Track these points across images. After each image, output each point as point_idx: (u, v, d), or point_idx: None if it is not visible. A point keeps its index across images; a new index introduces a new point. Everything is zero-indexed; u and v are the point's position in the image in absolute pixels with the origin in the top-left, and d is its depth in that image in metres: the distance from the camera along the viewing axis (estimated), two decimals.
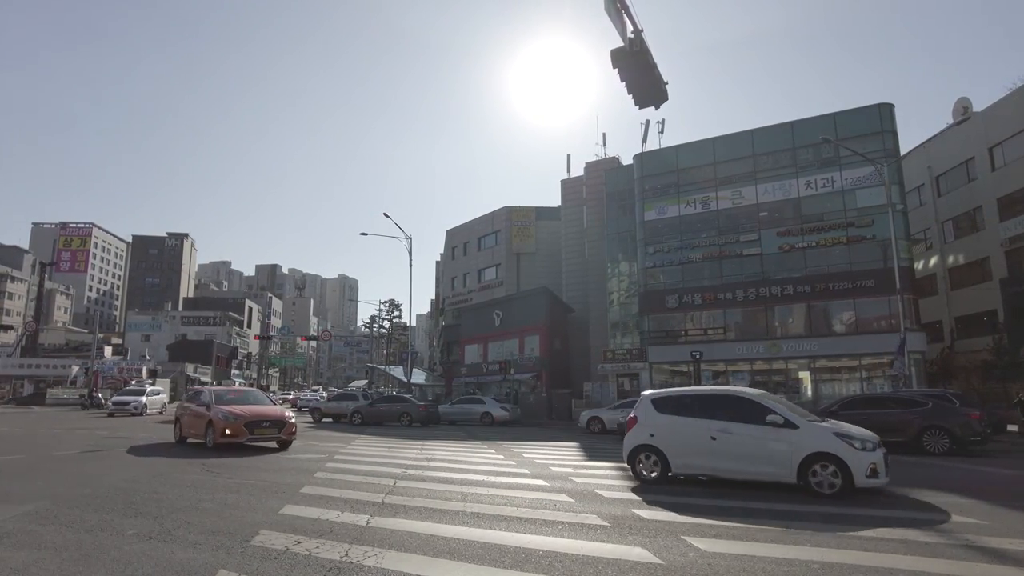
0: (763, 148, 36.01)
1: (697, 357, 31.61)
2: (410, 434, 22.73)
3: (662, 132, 44.71)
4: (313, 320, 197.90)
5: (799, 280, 33.81)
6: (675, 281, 37.54)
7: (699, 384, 30.34)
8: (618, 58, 8.60)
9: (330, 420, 31.81)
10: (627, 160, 43.97)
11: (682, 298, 36.81)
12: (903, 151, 36.43)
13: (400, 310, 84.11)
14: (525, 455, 14.74)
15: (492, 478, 10.41)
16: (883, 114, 33.34)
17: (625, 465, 12.16)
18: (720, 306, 35.94)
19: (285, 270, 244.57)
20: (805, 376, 34.39)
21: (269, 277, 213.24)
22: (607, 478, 10.73)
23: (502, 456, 14.50)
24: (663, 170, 38.94)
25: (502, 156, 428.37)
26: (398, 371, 57.90)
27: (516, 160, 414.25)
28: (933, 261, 40.44)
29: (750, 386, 32.42)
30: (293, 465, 12.08)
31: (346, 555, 5.37)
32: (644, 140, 43.67)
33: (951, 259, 39.26)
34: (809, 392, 33.46)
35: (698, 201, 37.16)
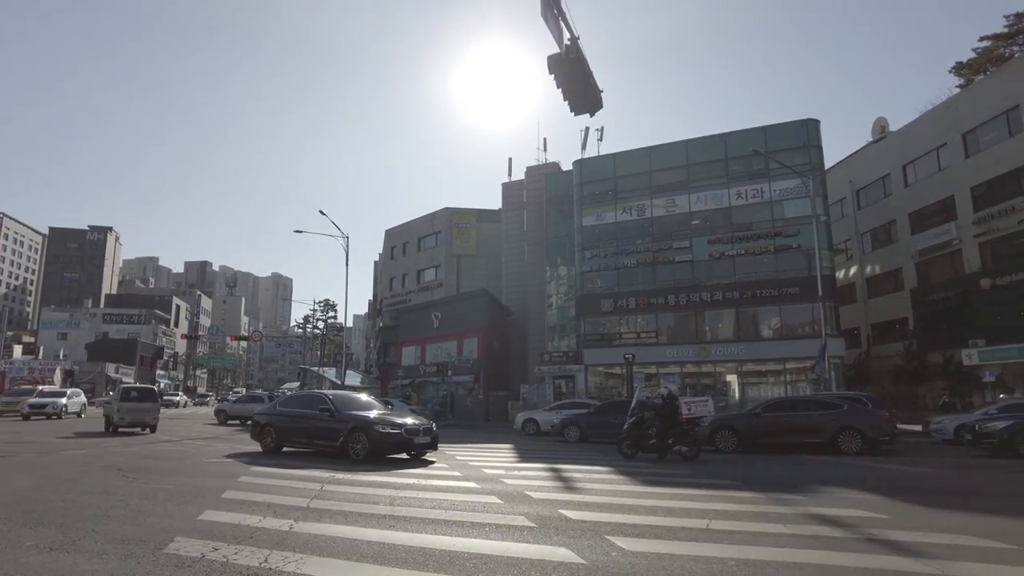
0: (697, 158, 37.17)
1: (630, 360, 32.26)
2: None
3: (601, 139, 45.46)
4: (244, 319, 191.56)
5: (728, 286, 35.02)
6: (611, 285, 38.25)
7: (630, 386, 30.98)
8: (554, 64, 8.70)
9: (237, 423, 30.91)
10: (567, 166, 44.58)
11: (617, 302, 37.54)
12: (827, 165, 38.33)
13: (335, 310, 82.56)
14: (458, 458, 14.70)
15: (423, 481, 10.33)
16: (809, 129, 34.97)
17: (557, 466, 12.28)
18: (653, 310, 36.85)
19: (216, 267, 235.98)
20: (733, 379, 35.64)
21: (199, 274, 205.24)
22: (538, 479, 10.81)
23: (435, 459, 14.40)
24: (601, 177, 39.67)
25: (444, 158, 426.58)
26: (332, 373, 56.73)
27: (458, 162, 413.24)
28: (853, 270, 42.64)
29: (680, 388, 33.46)
30: (216, 469, 11.66)
31: (265, 561, 5.21)
32: (583, 147, 44.44)
33: (869, 269, 41.51)
34: (736, 394, 34.68)
35: (634, 208, 38.00)
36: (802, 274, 32.67)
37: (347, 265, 41.13)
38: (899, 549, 5.81)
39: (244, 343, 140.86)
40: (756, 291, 34.39)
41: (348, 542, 5.93)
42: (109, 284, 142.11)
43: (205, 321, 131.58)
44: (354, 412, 13.64)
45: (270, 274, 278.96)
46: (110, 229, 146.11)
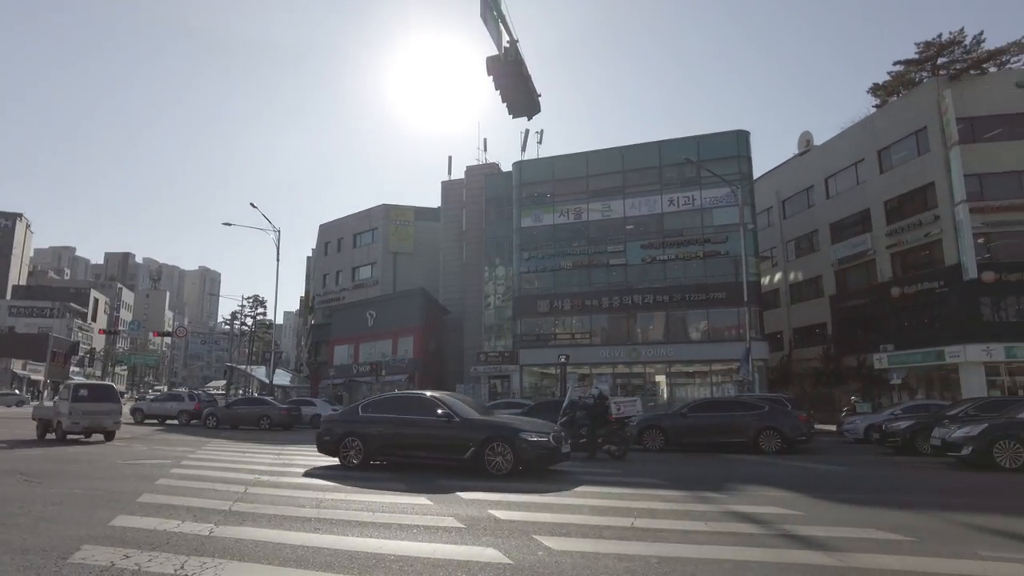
0: (632, 165, 38.05)
1: (564, 360, 32.69)
2: (270, 438, 21.71)
3: (540, 142, 45.97)
4: (169, 315, 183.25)
5: (659, 290, 35.99)
6: (548, 287, 38.67)
7: (564, 387, 31.40)
8: (493, 66, 8.75)
9: (155, 422, 29.71)
10: (507, 167, 44.79)
11: (553, 303, 37.99)
12: (756, 175, 39.94)
13: (265, 307, 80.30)
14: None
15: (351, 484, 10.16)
16: (740, 140, 36.35)
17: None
18: (588, 312, 37.49)
19: (139, 259, 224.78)
20: (662, 380, 36.67)
21: (120, 266, 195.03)
22: (469, 479, 10.81)
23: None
24: (540, 179, 40.07)
25: (382, 154, 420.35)
26: (261, 372, 55.04)
27: (397, 159, 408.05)
28: (777, 277, 44.57)
29: (611, 389, 34.15)
30: (133, 471, 11.13)
31: (181, 568, 5.02)
32: (523, 148, 44.69)
33: (792, 276, 43.48)
34: (665, 395, 35.69)
35: (571, 212, 38.56)
36: (729, 279, 33.88)
37: (278, 260, 39.97)
38: (809, 543, 6.12)
39: (168, 339, 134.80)
40: (685, 295, 35.48)
41: (271, 546, 5.78)
42: (18, 274, 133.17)
43: (126, 316, 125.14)
44: (483, 418, 11.76)
45: (197, 268, 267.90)
46: (20, 215, 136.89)
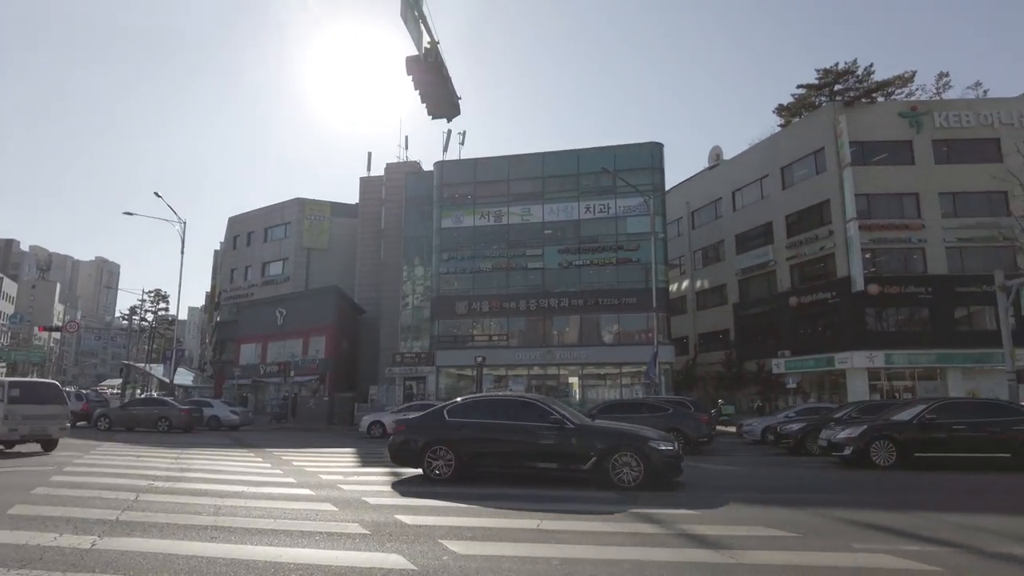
0: (552, 171, 38.70)
1: (480, 362, 32.78)
2: (168, 441, 20.56)
3: (463, 143, 45.99)
4: (59, 308, 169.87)
5: (575, 294, 36.77)
6: (466, 288, 38.68)
7: (480, 388, 31.50)
8: (413, 66, 8.67)
9: None
10: (428, 166, 44.47)
11: (472, 305, 38.04)
12: (668, 186, 41.50)
13: (167, 302, 76.01)
14: (295, 463, 14.09)
15: (253, 488, 9.80)
16: (654, 152, 37.68)
17: (399, 470, 12.17)
18: (505, 314, 37.78)
19: (25, 247, 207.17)
20: (575, 381, 37.45)
21: (2, 254, 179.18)
22: (377, 484, 10.65)
23: (269, 464, 13.72)
24: (461, 180, 40.03)
25: (298, 147, 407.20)
26: (160, 370, 52.05)
27: (313, 152, 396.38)
28: (685, 284, 46.48)
29: (526, 390, 34.56)
30: (5, 480, 10.26)
31: None
32: (445, 149, 44.55)
33: (699, 284, 45.48)
34: (578, 396, 36.45)
35: (491, 214, 38.76)
36: (640, 286, 34.99)
37: (183, 253, 37.96)
38: (704, 542, 6.42)
39: (56, 334, 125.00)
40: (599, 299, 36.41)
41: (161, 558, 5.49)
42: None
43: (7, 308, 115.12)
44: (604, 424, 11.00)
45: (94, 258, 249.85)
46: None
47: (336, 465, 13.97)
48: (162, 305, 75.28)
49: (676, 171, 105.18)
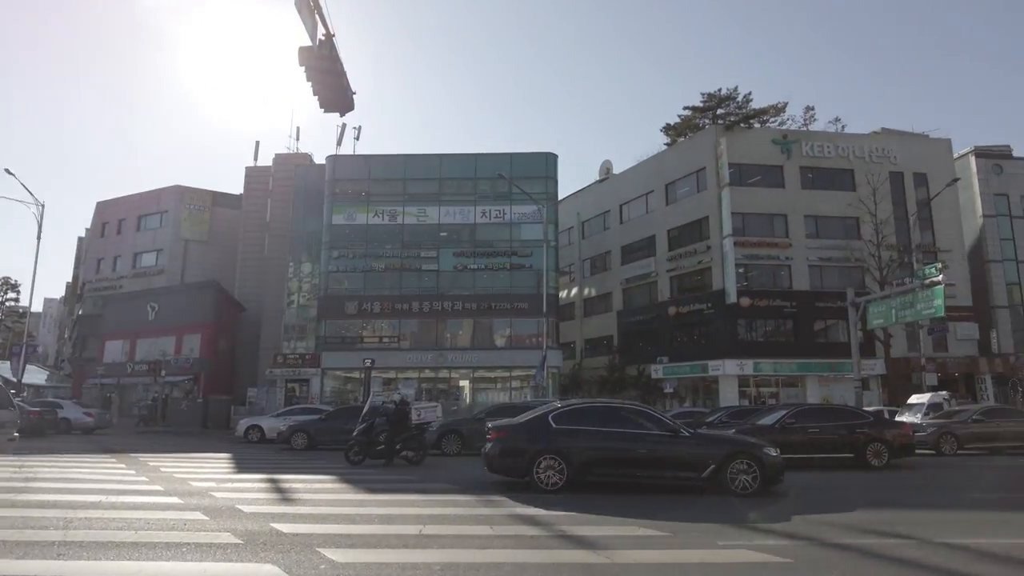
0: (449, 173, 38.62)
1: (369, 364, 32.12)
2: (10, 447, 18.49)
3: (358, 138, 44.71)
4: None
5: (468, 298, 36.87)
6: (357, 288, 37.74)
7: (368, 391, 30.84)
8: (305, 57, 8.38)
9: None
10: (321, 159, 42.99)
11: (362, 305, 37.14)
12: (561, 196, 42.62)
13: (18, 291, 68.67)
14: (163, 469, 13.16)
15: (112, 498, 9.03)
16: (549, 162, 38.59)
17: (278, 476, 11.68)
18: (397, 316, 37.23)
19: None
20: (466, 385, 37.54)
21: None
22: (253, 491, 10.16)
23: (134, 471, 12.73)
24: (355, 177, 39.05)
25: (177, 131, 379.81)
26: (6, 368, 46.77)
27: (196, 137, 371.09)
28: (574, 291, 47.90)
29: (417, 393, 34.27)
30: None
31: None
32: (339, 143, 43.33)
33: (587, 291, 47.03)
34: (468, 399, 36.57)
35: (386, 213, 38.07)
36: (532, 291, 35.63)
37: (39, 238, 34.33)
38: (582, 543, 6.63)
39: None
40: (492, 304, 36.72)
41: None
42: None
43: None
44: (718, 432, 11.37)
45: None
46: None
47: (209, 471, 13.18)
48: (11, 295, 68.04)
49: (569, 182, 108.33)
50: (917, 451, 16.39)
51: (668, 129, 44.17)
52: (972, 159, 41.26)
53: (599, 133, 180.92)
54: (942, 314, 21.85)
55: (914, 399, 24.32)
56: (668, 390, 34.31)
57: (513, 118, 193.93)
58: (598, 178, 49.02)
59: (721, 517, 8.16)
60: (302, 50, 8.43)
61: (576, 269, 47.97)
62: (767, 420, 15.75)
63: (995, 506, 9.67)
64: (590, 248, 47.08)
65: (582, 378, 41.65)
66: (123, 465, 13.90)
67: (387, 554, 5.99)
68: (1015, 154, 42.87)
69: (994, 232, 40.26)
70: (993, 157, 42.02)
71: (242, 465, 14.75)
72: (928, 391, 26.19)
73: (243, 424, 24.77)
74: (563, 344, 41.20)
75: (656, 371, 36.40)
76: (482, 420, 18.45)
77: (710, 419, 19.99)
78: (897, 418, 19.76)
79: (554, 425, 10.43)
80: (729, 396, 33.66)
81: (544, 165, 38.46)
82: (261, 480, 11.65)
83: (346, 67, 9.32)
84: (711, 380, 35.56)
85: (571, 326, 46.39)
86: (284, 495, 9.76)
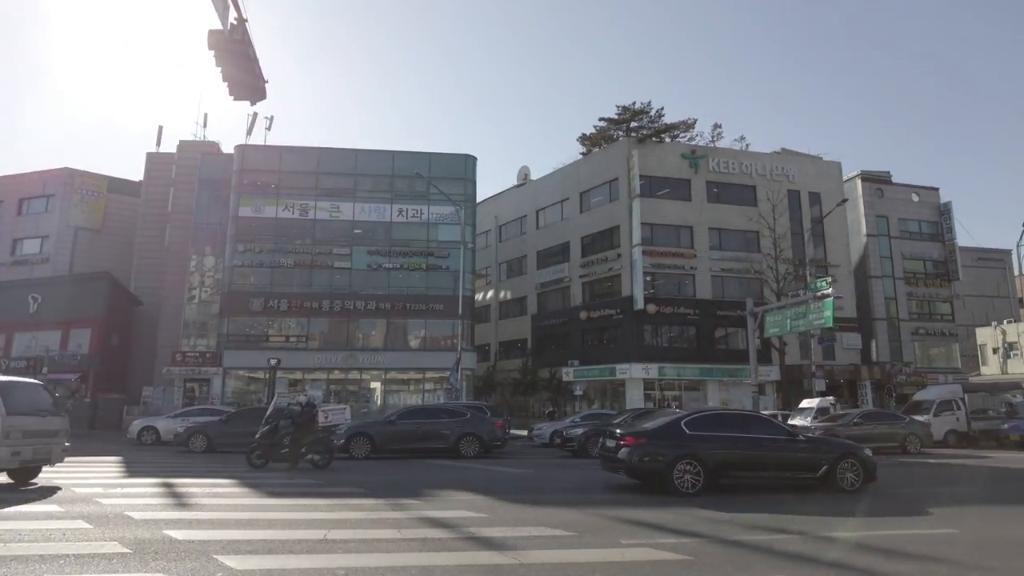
0: (365, 169, 37.81)
1: (274, 364, 30.97)
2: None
3: (269, 128, 43.05)
4: None
5: (382, 297, 36.23)
6: (263, 284, 36.27)
7: (273, 392, 29.72)
8: (215, 41, 7.99)
9: None
10: (229, 149, 41.00)
11: (268, 302, 35.72)
12: (480, 198, 42.71)
13: None
14: (42, 475, 12.15)
15: None
16: (468, 164, 38.57)
17: (174, 480, 11.05)
18: (306, 314, 36.07)
19: None
20: (377, 387, 36.87)
21: None
22: (145, 497, 9.58)
23: (2, 477, 11.67)
24: (266, 168, 37.52)
25: (70, 106, 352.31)
26: None
27: (90, 115, 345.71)
28: (490, 294, 48.11)
29: (325, 395, 33.36)
30: None
31: None
32: (249, 132, 41.44)
33: (503, 294, 47.34)
34: (379, 402, 35.93)
35: (297, 207, 36.78)
36: (448, 293, 35.47)
37: None
38: (490, 544, 6.67)
39: None
40: (407, 304, 36.25)
41: None
42: None
43: None
44: (825, 436, 13.01)
45: None
46: None
47: (95, 477, 12.32)
48: None
49: (487, 185, 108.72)
50: None
51: (584, 139, 45.17)
52: (859, 182, 44.71)
53: (518, 139, 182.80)
54: (831, 325, 23.57)
55: (805, 403, 26.05)
56: (578, 392, 35.03)
57: (434, 118, 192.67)
58: (516, 183, 49.49)
59: (623, 516, 8.43)
60: (212, 33, 8.04)
61: (493, 272, 48.19)
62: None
63: (870, 501, 10.50)
64: (507, 251, 47.42)
65: (496, 380, 41.87)
66: None
67: (289, 560, 5.80)
68: (894, 180, 46.85)
69: (876, 250, 43.77)
70: (876, 182, 45.71)
71: (134, 469, 13.87)
72: (817, 396, 28.11)
73: (137, 425, 23.29)
74: (478, 346, 41.23)
75: (567, 374, 37.10)
76: (393, 423, 18.25)
77: (616, 420, 20.56)
78: (789, 422, 21.04)
79: (688, 431, 11.02)
80: (635, 399, 34.78)
81: (463, 167, 38.40)
82: (154, 485, 11.00)
83: (261, 56, 8.98)
84: (619, 383, 36.62)
85: (487, 328, 46.54)
86: (180, 500, 9.26)
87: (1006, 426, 23.58)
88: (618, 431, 11.80)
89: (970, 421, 24.96)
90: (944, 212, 45.71)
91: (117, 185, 46.07)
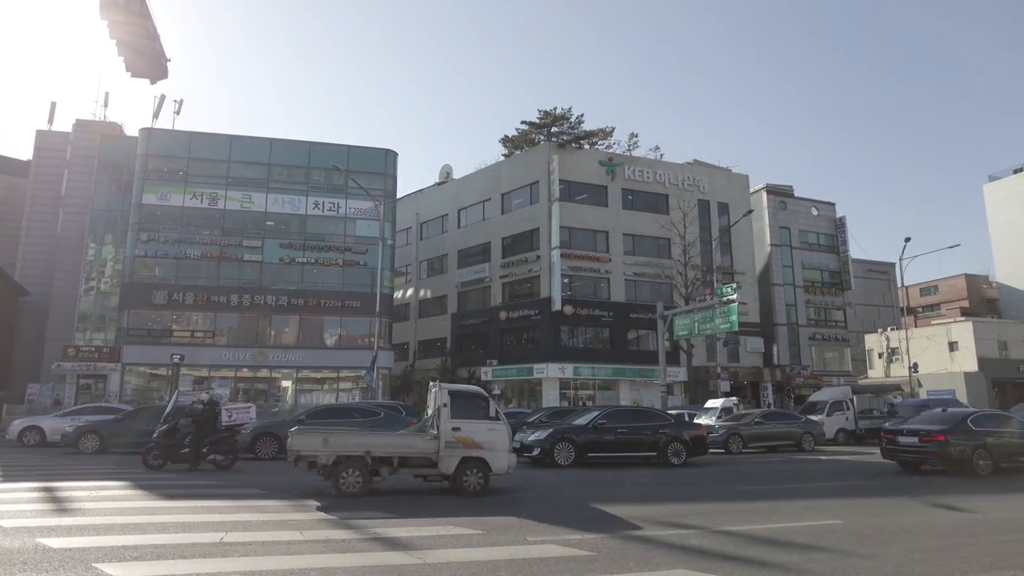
0: (279, 159, 36.46)
1: (178, 361, 29.39)
2: None
3: (178, 112, 40.69)
4: None
5: (295, 293, 35.06)
6: (168, 276, 34.33)
7: (178, 389, 28.15)
8: (109, 11, 7.45)
9: None
10: (134, 132, 38.56)
11: (173, 295, 33.83)
12: (401, 195, 42.09)
13: None
14: None
15: None
16: (388, 159, 37.95)
17: (56, 484, 10.26)
18: (213, 309, 34.40)
19: None
20: (288, 385, 35.67)
21: None
22: (21, 502, 8.84)
23: None
24: (173, 153, 35.50)
25: None
26: None
27: None
28: (410, 292, 47.52)
29: (233, 393, 31.95)
30: None
31: None
32: (156, 115, 39.19)
33: (423, 293, 46.86)
34: (290, 401, 34.75)
35: (206, 196, 35.02)
36: (365, 290, 34.73)
37: None
38: (395, 544, 6.58)
39: None
40: (322, 301, 35.24)
41: None
42: None
43: None
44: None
45: None
46: None
47: None
48: None
49: (408, 182, 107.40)
50: (710, 450, 18.36)
51: (506, 141, 45.44)
52: (764, 195, 47.22)
53: (440, 138, 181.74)
54: (736, 329, 24.76)
55: (710, 403, 27.21)
56: (496, 391, 35.14)
57: (354, 113, 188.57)
58: (438, 180, 49.14)
59: (530, 514, 8.51)
60: (104, 4, 7.49)
61: (413, 270, 47.63)
62: (581, 420, 16.74)
63: (769, 496, 11.09)
64: (428, 249, 46.99)
65: (414, 379, 41.37)
66: None
67: (180, 565, 5.51)
68: (796, 194, 49.82)
69: (779, 259, 46.37)
70: (780, 194, 48.45)
71: (9, 473, 12.78)
72: (722, 397, 29.44)
73: (17, 425, 21.44)
74: (396, 345, 40.64)
75: (486, 373, 37.16)
76: (303, 422, 17.66)
77: (531, 419, 20.79)
78: (696, 420, 21.94)
79: (974, 428, 14.04)
80: (551, 398, 35.27)
81: (384, 162, 37.75)
82: (33, 489, 10.17)
83: (166, 34, 8.47)
84: (535, 382, 37.03)
85: (405, 327, 45.93)
86: (60, 505, 8.60)
87: (887, 425, 25.49)
88: (918, 427, 14.59)
89: (857, 420, 26.83)
90: (839, 226, 48.97)
91: (2, 164, 42.48)
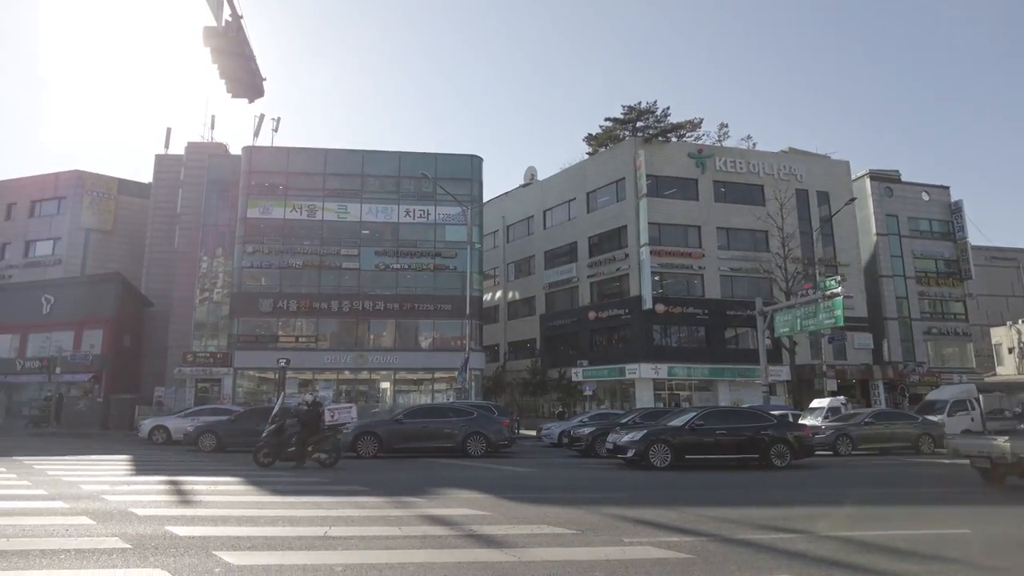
0: (372, 170, 37.90)
1: (284, 364, 31.10)
2: None
3: (276, 130, 43.12)
4: None
5: (390, 298, 36.30)
6: (273, 285, 36.46)
7: (284, 391, 29.81)
8: (210, 38, 8.01)
9: None
10: (236, 150, 41.25)
11: (278, 303, 35.90)
12: (486, 199, 42.70)
13: None
14: (50, 473, 12.26)
15: None
16: (474, 164, 38.59)
17: (180, 478, 11.06)
18: (315, 315, 36.21)
19: None
20: (387, 386, 36.96)
21: None
22: (150, 494, 9.61)
23: (15, 475, 11.79)
24: (273, 169, 37.72)
25: (78, 109, 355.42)
26: None
27: (98, 117, 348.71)
28: (498, 294, 48.09)
29: (335, 395, 33.46)
30: None
31: None
32: (256, 134, 41.68)
33: (511, 295, 47.31)
34: (389, 401, 36.00)
35: (304, 208, 36.93)
36: (456, 293, 35.44)
37: None
38: (490, 542, 6.63)
39: None
40: (415, 305, 36.31)
41: None
42: None
43: None
44: None
45: None
46: None
47: (102, 474, 12.37)
48: None
49: (493, 185, 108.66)
50: (816, 452, 17.40)
51: (590, 139, 45.03)
52: (867, 181, 44.31)
53: (523, 140, 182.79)
54: (841, 324, 23.39)
55: (815, 403, 25.81)
56: (587, 392, 34.94)
57: (439, 118, 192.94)
58: (522, 183, 49.44)
59: (629, 515, 8.36)
60: (206, 30, 8.06)
61: (500, 272, 48.16)
62: (677, 422, 16.28)
63: (880, 501, 10.37)
64: (514, 252, 47.38)
65: (506, 380, 41.83)
66: (3, 469, 12.84)
67: (288, 556, 5.79)
68: (903, 179, 46.37)
69: (886, 249, 43.36)
70: (885, 180, 45.28)
71: (142, 467, 13.94)
72: (828, 396, 27.85)
73: (147, 425, 23.43)
74: (487, 347, 41.23)
75: (576, 374, 37.00)
76: (400, 422, 18.24)
77: (624, 420, 20.47)
78: (800, 421, 20.88)
79: None
80: (645, 398, 34.62)
81: (469, 167, 38.43)
82: (160, 482, 11.05)
83: (262, 56, 9.01)
84: (628, 383, 36.48)
85: (495, 329, 46.51)
86: (184, 497, 9.29)
87: (1022, 426, 23.25)
88: None
89: (985, 421, 24.62)
90: (955, 211, 45.24)
91: (127, 187, 46.50)
